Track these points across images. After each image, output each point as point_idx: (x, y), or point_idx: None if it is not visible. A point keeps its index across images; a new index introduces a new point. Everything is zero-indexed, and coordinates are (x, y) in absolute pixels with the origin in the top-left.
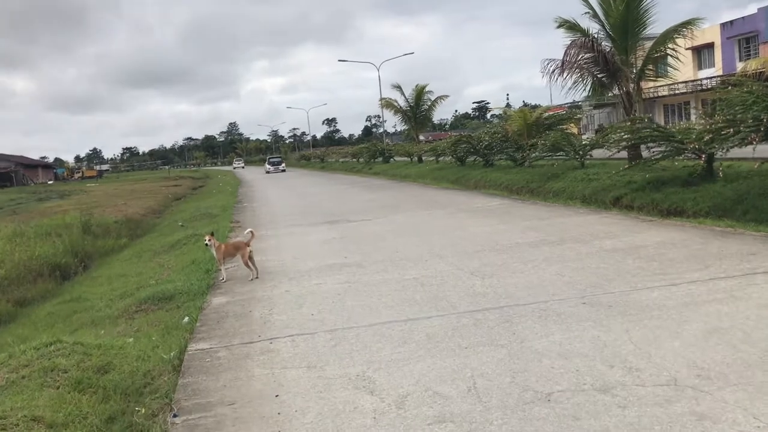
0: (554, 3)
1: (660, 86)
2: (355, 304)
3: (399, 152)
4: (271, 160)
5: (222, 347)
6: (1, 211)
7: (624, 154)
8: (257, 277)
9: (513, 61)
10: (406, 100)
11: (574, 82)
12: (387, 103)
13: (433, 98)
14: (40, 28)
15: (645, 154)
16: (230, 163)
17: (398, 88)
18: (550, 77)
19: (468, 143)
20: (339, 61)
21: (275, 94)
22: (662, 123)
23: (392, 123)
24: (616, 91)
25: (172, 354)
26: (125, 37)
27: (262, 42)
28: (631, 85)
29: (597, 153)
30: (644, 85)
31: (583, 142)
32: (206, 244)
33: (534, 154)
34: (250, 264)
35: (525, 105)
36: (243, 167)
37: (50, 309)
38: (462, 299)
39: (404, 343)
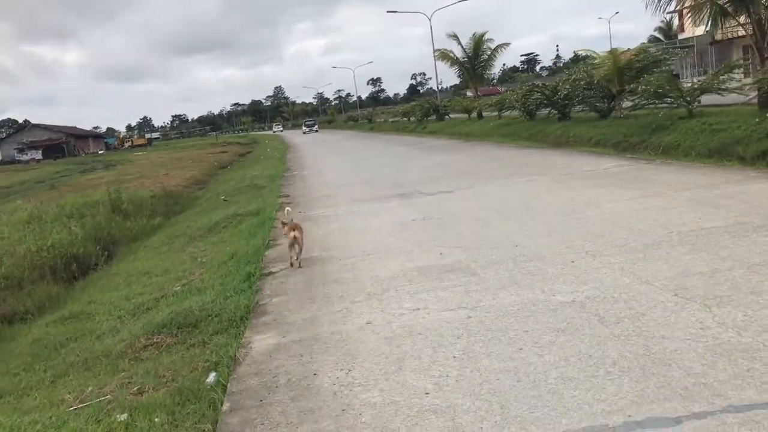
0: None
1: (740, 24)
2: (499, 367)
3: (455, 108)
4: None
5: None
6: (42, 186)
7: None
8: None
9: (561, 11)
10: (464, 50)
11: (688, 13)
12: (443, 55)
13: (493, 47)
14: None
15: None
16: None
17: (455, 37)
18: (656, 8)
19: (541, 94)
20: (388, 12)
21: (318, 56)
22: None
23: (439, 79)
24: (742, 20)
25: None
26: (169, 4)
27: (304, 2)
28: (764, 11)
29: (704, 99)
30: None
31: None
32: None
33: (628, 103)
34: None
35: (576, 56)
36: (282, 131)
37: (40, 333)
38: (707, 364)
39: None
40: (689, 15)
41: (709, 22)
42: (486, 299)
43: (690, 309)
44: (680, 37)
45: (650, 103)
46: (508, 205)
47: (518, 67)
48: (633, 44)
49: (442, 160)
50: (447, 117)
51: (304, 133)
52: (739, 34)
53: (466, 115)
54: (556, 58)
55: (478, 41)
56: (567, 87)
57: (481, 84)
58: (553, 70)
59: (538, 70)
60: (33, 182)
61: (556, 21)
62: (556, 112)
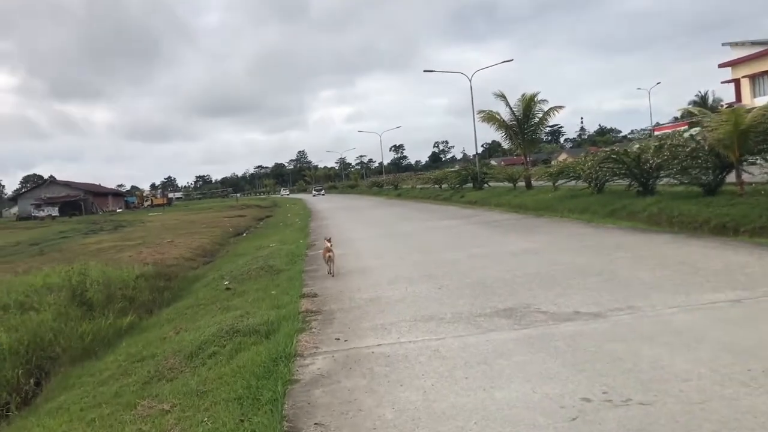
0: (619, 26)
1: None
2: None
3: (496, 177)
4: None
5: None
6: (32, 249)
7: None
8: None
9: (582, 85)
10: (512, 111)
11: None
12: (489, 117)
13: (546, 108)
14: (117, 59)
15: None
16: (302, 190)
17: (502, 97)
18: None
19: (619, 162)
20: (425, 71)
21: (342, 123)
22: None
23: (460, 148)
24: None
25: None
26: (198, 68)
27: (329, 71)
28: None
29: None
30: None
31: None
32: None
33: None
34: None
35: (601, 129)
36: (288, 194)
37: None
38: None
39: None
40: None
41: None
42: None
43: None
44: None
45: None
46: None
47: (543, 139)
48: (664, 119)
49: (527, 244)
50: (486, 185)
51: (313, 195)
52: None
53: (508, 184)
54: (580, 130)
55: (528, 102)
56: (665, 154)
57: (532, 149)
58: (578, 142)
59: (562, 141)
60: (27, 244)
61: (578, 95)
62: (636, 183)
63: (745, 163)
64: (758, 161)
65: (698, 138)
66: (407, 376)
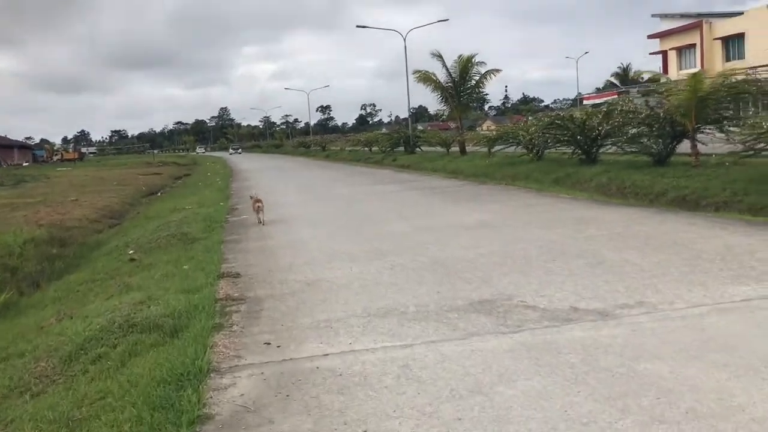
0: None
1: None
2: None
3: (430, 141)
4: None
5: None
6: None
7: None
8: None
9: (507, 54)
10: (449, 72)
11: None
12: (424, 77)
13: (483, 71)
14: (26, 3)
15: None
16: (224, 149)
17: (439, 57)
18: None
19: (565, 128)
20: (357, 27)
21: (267, 81)
22: None
23: (387, 112)
24: None
25: None
26: (114, 17)
27: (254, 26)
28: None
29: None
30: None
31: None
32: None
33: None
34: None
35: (525, 98)
36: (204, 152)
37: None
38: None
39: None
40: None
41: None
42: None
43: None
44: (662, 80)
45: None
46: None
47: (473, 105)
48: (586, 90)
49: (480, 215)
50: (419, 149)
51: (230, 154)
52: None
53: (441, 149)
54: (504, 98)
55: (465, 64)
56: (616, 120)
57: (466, 114)
58: (502, 110)
59: (486, 109)
60: None
61: (502, 64)
62: (579, 150)
63: (700, 132)
64: (713, 131)
65: (653, 104)
66: (372, 412)
